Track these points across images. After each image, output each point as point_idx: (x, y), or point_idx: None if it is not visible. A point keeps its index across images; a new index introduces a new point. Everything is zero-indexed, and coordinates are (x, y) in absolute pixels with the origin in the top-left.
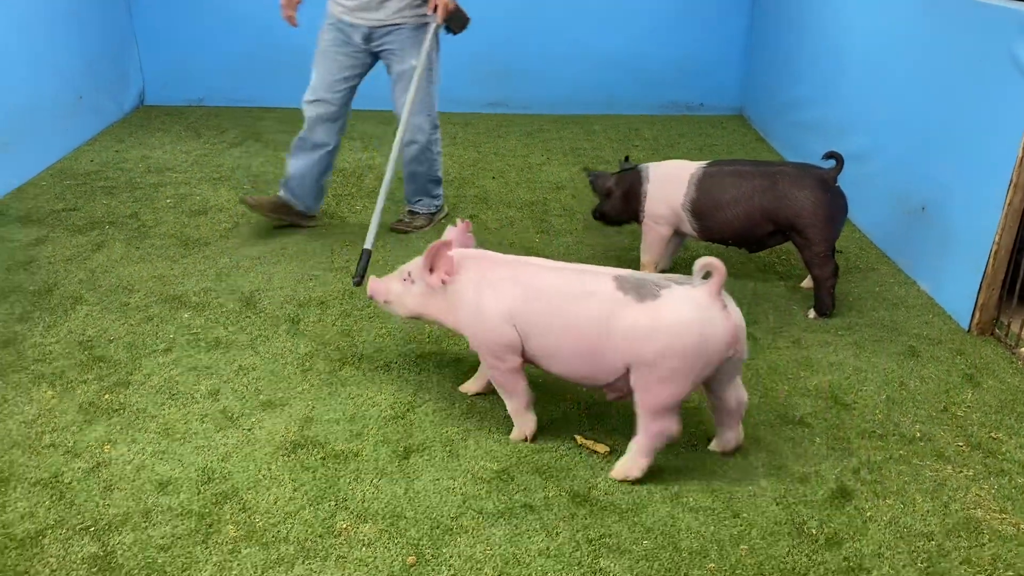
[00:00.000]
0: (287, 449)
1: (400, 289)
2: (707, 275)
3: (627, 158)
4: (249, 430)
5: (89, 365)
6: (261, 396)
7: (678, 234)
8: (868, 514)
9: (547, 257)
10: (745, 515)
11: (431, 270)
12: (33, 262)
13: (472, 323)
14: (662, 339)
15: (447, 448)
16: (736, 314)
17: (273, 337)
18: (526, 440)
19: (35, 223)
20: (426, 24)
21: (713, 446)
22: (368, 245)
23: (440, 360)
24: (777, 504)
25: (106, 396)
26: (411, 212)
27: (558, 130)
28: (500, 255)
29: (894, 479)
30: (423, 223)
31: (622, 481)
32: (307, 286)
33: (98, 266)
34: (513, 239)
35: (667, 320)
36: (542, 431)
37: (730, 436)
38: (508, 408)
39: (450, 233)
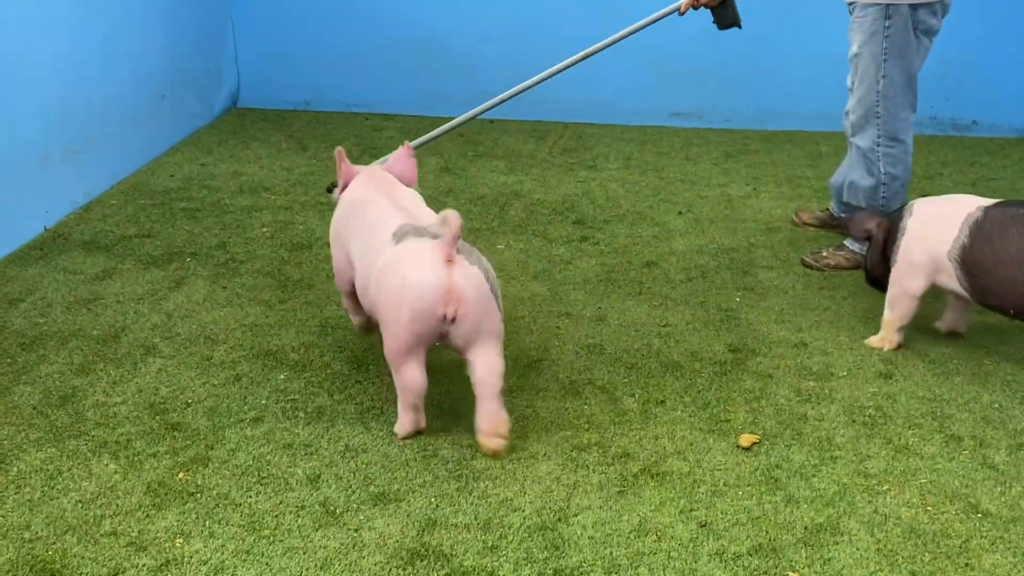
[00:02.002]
0: (403, 559)
1: None
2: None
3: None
4: (356, 530)
5: (161, 434)
6: (372, 487)
7: (956, 297)
8: None
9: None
10: None
11: None
12: (98, 300)
13: None
14: (377, 285)
15: None
16: (464, 274)
17: (390, 410)
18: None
19: (102, 251)
20: (880, 5)
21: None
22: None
23: (603, 454)
24: None
25: (180, 475)
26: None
27: (769, 151)
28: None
29: None
30: (843, 262)
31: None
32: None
33: (176, 308)
34: (703, 296)
35: (382, 267)
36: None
37: (484, 408)
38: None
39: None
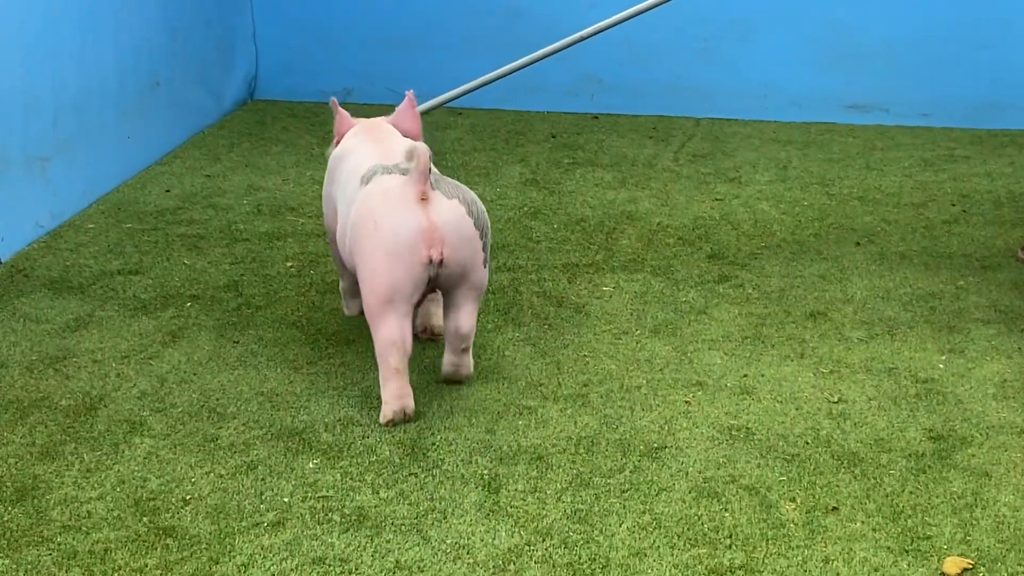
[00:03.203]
0: None
1: None
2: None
3: None
4: None
5: (149, 541)
6: None
7: None
8: None
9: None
10: None
11: None
12: (68, 359)
13: None
14: (351, 235)
15: None
16: (442, 209)
17: (453, 513)
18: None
19: (75, 293)
20: None
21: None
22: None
23: None
24: None
25: None
26: None
27: (983, 158)
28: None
29: None
30: None
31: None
32: (513, 424)
33: (171, 370)
34: (892, 360)
35: (353, 214)
36: None
37: (446, 358)
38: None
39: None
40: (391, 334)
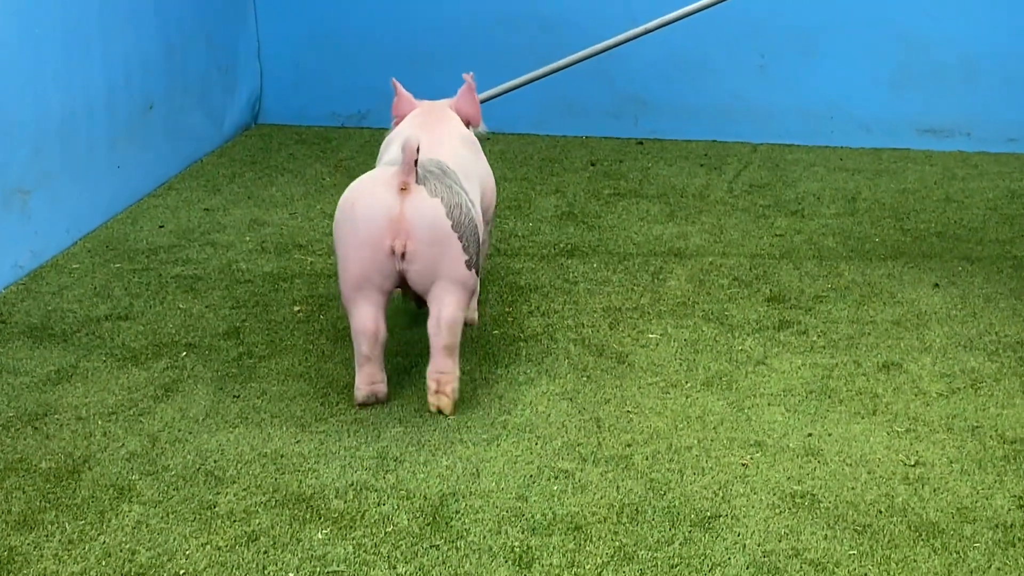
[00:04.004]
0: None
1: None
2: None
3: None
4: None
5: None
6: None
7: None
8: None
9: None
10: None
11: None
12: (49, 415)
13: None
14: (335, 216)
15: None
16: (417, 205)
17: None
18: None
19: (57, 341)
20: None
21: None
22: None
23: None
24: None
25: None
26: None
27: None
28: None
29: None
30: None
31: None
32: (548, 490)
33: (164, 428)
34: (977, 418)
35: (342, 197)
36: None
37: (431, 365)
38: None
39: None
40: (361, 322)
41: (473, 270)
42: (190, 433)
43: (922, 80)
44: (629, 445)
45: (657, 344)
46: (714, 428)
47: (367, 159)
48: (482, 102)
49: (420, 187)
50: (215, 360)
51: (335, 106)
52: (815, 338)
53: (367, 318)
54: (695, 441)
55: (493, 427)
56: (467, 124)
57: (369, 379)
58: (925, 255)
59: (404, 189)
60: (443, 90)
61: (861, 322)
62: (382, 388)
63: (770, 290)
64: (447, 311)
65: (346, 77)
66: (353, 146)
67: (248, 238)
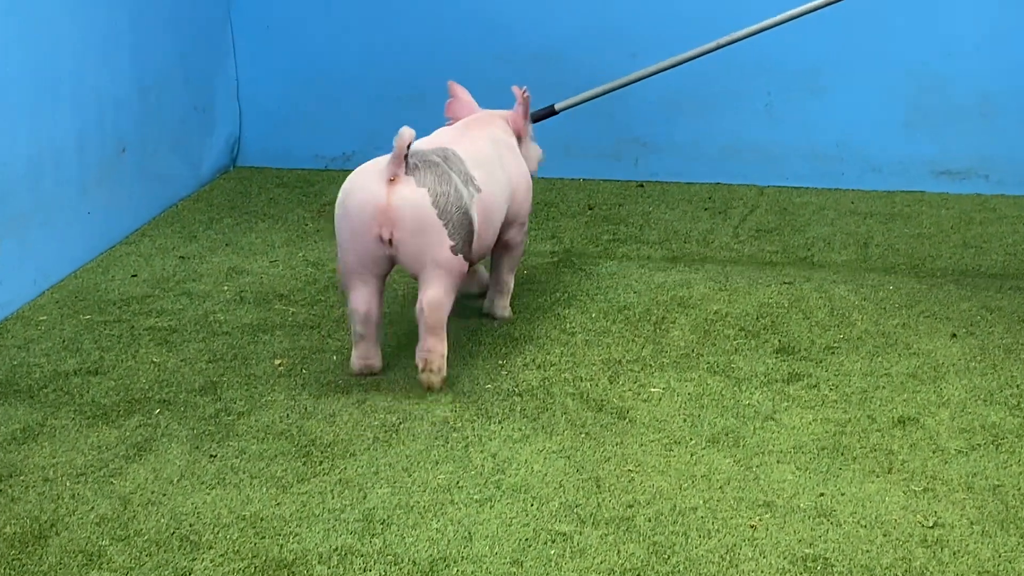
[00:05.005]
0: None
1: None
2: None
3: None
4: None
5: None
6: None
7: None
8: None
9: None
10: None
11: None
12: (14, 476)
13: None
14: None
15: None
16: (403, 194)
17: None
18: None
19: (22, 397)
20: None
21: None
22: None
23: None
24: None
25: None
26: None
27: None
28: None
29: None
30: None
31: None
32: (544, 554)
33: (136, 490)
34: (998, 476)
35: (341, 188)
36: None
37: (420, 344)
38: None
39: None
40: (355, 303)
41: (460, 255)
42: (164, 495)
43: (937, 119)
44: (631, 506)
45: (660, 398)
46: (720, 488)
47: None
48: (558, 112)
49: (409, 177)
50: (190, 417)
51: (318, 147)
52: (827, 392)
53: (360, 300)
54: (700, 501)
55: (486, 487)
56: (518, 137)
57: (364, 355)
58: (942, 303)
59: (393, 180)
60: (430, 130)
61: (875, 375)
62: (376, 363)
63: (779, 341)
64: (430, 293)
65: (330, 117)
66: (337, 189)
67: (226, 287)
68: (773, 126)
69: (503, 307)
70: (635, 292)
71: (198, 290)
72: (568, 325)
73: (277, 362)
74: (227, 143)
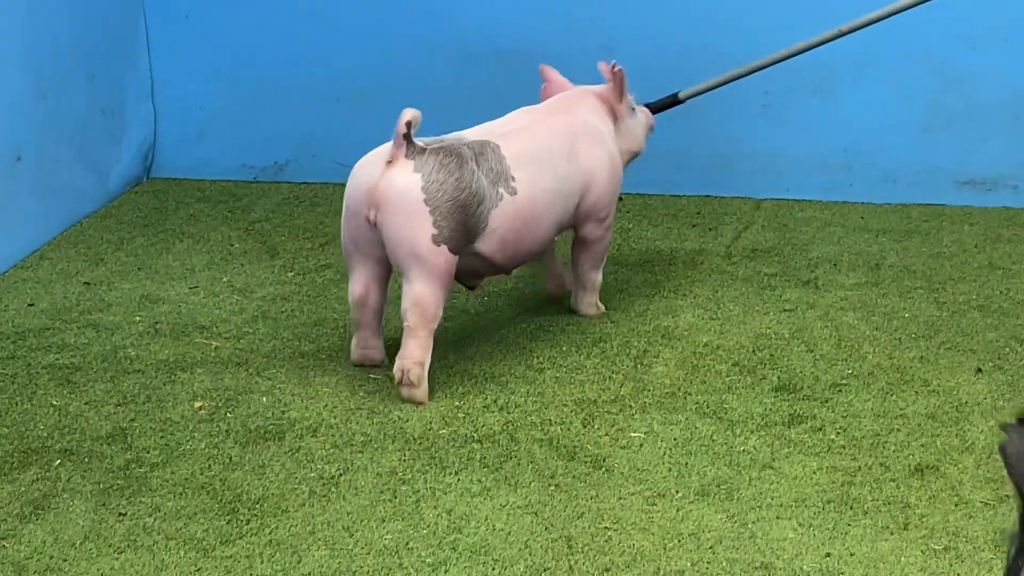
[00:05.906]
0: None
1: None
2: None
3: None
4: None
5: None
6: None
7: None
8: None
9: None
10: None
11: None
12: None
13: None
14: None
15: None
16: (391, 178)
17: None
18: None
19: None
20: None
21: None
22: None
23: None
24: None
25: None
26: None
27: None
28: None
29: None
30: None
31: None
32: None
33: (32, 554)
34: None
35: None
36: None
37: (400, 351)
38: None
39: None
40: (352, 287)
41: (443, 246)
42: (64, 560)
43: (960, 123)
44: (607, 570)
45: (641, 445)
46: (711, 548)
47: (284, 220)
48: (682, 101)
49: (408, 162)
50: (96, 469)
51: (246, 156)
52: (833, 436)
53: (357, 284)
54: (688, 564)
55: (440, 549)
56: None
57: (362, 344)
58: (965, 333)
59: (390, 162)
60: (380, 137)
61: (889, 416)
62: (375, 355)
63: (778, 377)
64: (408, 289)
65: (260, 122)
66: (268, 204)
67: (138, 318)
68: (771, 131)
69: (588, 304)
70: (612, 322)
71: (106, 321)
72: (535, 360)
73: (197, 405)
74: (139, 151)
